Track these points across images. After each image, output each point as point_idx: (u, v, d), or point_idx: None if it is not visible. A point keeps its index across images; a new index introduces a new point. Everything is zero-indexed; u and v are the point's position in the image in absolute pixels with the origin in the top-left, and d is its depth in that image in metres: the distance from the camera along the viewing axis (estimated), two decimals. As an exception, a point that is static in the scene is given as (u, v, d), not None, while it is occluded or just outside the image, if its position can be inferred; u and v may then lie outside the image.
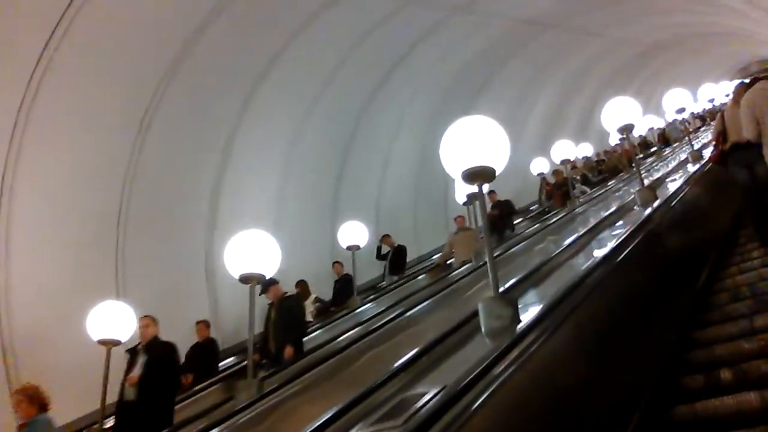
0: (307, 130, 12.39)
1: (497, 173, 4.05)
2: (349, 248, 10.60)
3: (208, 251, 10.54)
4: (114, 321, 6.74)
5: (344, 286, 11.59)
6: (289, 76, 11.37)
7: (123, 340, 6.68)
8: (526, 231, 10.95)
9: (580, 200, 11.58)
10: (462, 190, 9.39)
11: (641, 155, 17.92)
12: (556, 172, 13.80)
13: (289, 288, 9.04)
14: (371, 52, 12.70)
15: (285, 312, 7.77)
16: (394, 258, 12.41)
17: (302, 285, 11.02)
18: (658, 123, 18.71)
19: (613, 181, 13.95)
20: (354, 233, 10.55)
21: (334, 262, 12.14)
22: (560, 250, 5.26)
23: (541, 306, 3.26)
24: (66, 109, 8.39)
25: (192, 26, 9.24)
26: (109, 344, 6.57)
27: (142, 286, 9.09)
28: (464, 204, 10.18)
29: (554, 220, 10.55)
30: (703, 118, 18.99)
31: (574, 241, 5.62)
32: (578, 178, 14.44)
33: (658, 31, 21.52)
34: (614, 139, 16.96)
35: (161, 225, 9.71)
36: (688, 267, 5.46)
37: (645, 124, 19.18)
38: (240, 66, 10.46)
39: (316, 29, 11.15)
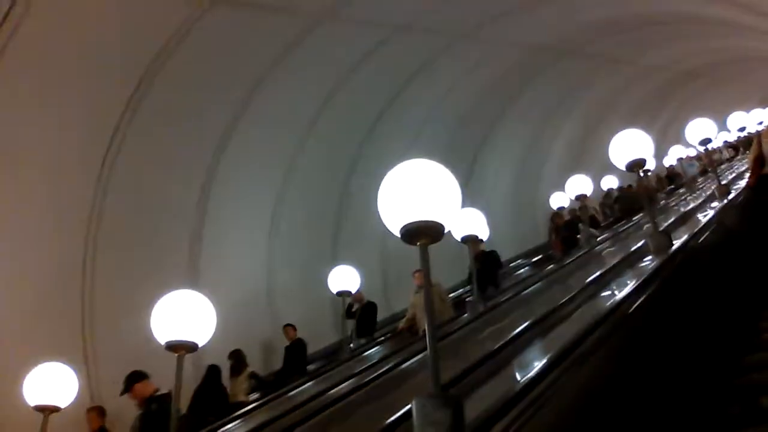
0: (298, 171, 11.58)
1: (446, 230, 3.27)
2: (339, 294, 9.63)
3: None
4: (54, 384, 5.95)
5: (295, 355, 10.36)
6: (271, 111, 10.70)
7: (62, 406, 5.86)
8: (511, 292, 9.11)
9: (585, 247, 10.43)
10: (457, 229, 8.30)
11: (666, 190, 16.89)
12: (556, 215, 12.60)
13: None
14: (364, 87, 11.92)
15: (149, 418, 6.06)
16: (363, 317, 10.88)
17: (236, 356, 9.98)
18: (686, 153, 17.55)
19: (625, 222, 12.80)
20: (345, 278, 9.60)
21: (285, 325, 10.80)
22: (529, 323, 4.31)
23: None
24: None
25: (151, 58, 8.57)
26: (47, 410, 5.67)
27: (110, 345, 8.36)
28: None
29: (547, 272, 9.39)
30: (736, 148, 17.83)
31: (549, 314, 4.65)
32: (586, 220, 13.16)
33: (689, 57, 20.63)
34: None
35: (133, 275, 9.00)
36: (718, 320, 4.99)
37: (673, 155, 18.17)
38: (212, 109, 9.84)
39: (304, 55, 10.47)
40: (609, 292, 5.23)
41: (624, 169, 6.85)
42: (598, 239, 11.19)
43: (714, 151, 21.22)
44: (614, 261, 6.37)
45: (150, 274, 9.15)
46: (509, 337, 3.99)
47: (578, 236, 11.99)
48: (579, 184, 11.51)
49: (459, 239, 8.24)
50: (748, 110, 15.62)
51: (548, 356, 2.95)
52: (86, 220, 8.39)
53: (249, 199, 10.93)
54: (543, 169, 18.97)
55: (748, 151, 16.82)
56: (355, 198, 12.61)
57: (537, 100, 17.00)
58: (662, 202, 14.19)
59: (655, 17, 15.43)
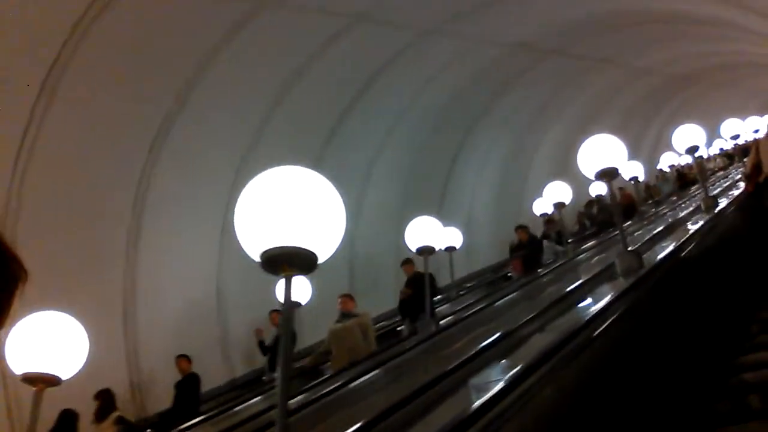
0: (254, 170, 10.73)
1: (321, 259, 2.68)
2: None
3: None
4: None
5: (186, 392, 8.93)
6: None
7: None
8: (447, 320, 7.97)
9: (548, 266, 9.61)
10: (411, 239, 7.46)
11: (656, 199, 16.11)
12: (519, 230, 11.69)
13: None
14: (320, 85, 11.08)
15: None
16: (276, 347, 9.49)
17: (104, 397, 8.34)
18: (677, 161, 16.79)
19: (602, 237, 11.88)
20: (294, 288, 8.78)
21: (178, 357, 9.27)
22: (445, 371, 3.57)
23: None
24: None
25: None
26: None
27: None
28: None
29: (497, 298, 8.11)
30: (731, 156, 17.09)
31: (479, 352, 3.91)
32: (551, 234, 12.19)
33: (684, 60, 19.90)
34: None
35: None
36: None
37: (665, 162, 17.45)
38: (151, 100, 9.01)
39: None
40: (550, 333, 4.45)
41: (593, 178, 6.15)
42: (566, 255, 10.41)
43: (708, 159, 20.57)
44: (573, 285, 5.59)
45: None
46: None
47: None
48: (558, 192, 10.79)
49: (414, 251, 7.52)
50: (745, 117, 14.83)
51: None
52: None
53: (198, 195, 10.07)
54: (528, 175, 18.22)
55: (745, 160, 16.20)
56: None
57: (521, 102, 16.26)
58: (652, 211, 13.41)
59: (647, 16, 14.72)
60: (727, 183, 12.67)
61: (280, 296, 8.66)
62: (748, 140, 19.09)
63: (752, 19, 13.09)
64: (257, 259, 2.53)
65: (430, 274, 8.41)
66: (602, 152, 6.03)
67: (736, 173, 13.50)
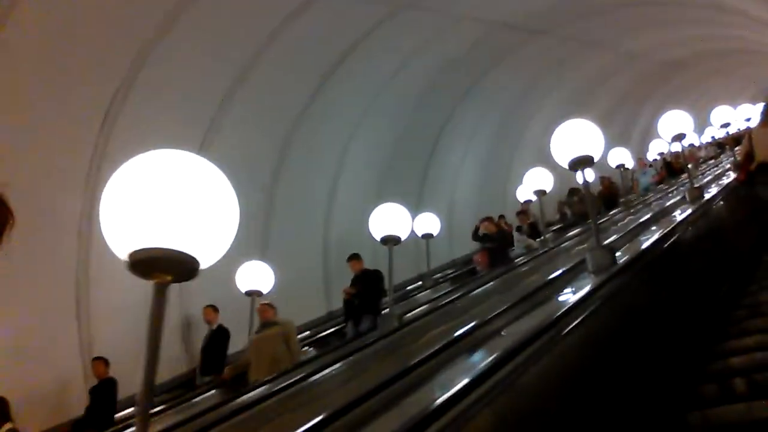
0: (217, 151, 10.10)
1: (202, 264, 2.19)
2: (248, 294, 8.29)
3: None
4: None
5: (101, 398, 8.07)
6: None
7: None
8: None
9: (516, 260, 9.16)
10: (375, 228, 6.96)
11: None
12: (485, 222, 11.19)
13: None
14: (296, 59, 10.47)
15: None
16: (210, 346, 8.86)
17: None
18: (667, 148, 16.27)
19: (579, 230, 11.21)
20: (257, 275, 8.30)
21: (94, 359, 8.48)
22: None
23: None
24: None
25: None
26: None
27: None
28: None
29: (454, 297, 7.46)
30: (722, 145, 16.64)
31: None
32: (523, 226, 11.66)
33: (675, 46, 19.42)
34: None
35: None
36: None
37: (654, 150, 17.01)
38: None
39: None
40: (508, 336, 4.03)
41: (567, 167, 5.73)
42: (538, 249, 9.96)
43: (699, 148, 20.14)
44: (542, 281, 5.17)
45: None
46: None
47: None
48: (538, 179, 10.33)
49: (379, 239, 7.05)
50: (737, 105, 14.35)
51: None
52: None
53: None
54: (513, 159, 17.74)
55: (737, 149, 15.77)
56: (286, 187, 11.27)
57: (505, 84, 15.74)
58: (635, 201, 12.99)
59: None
60: (717, 172, 12.23)
61: (241, 283, 8.30)
62: (741, 129, 18.72)
63: (750, 3, 12.64)
64: (124, 259, 2.09)
65: (376, 271, 7.94)
66: (577, 139, 5.64)
67: (726, 163, 13.08)
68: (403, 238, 7.00)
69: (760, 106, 8.11)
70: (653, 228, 6.88)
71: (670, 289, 5.00)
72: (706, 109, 16.28)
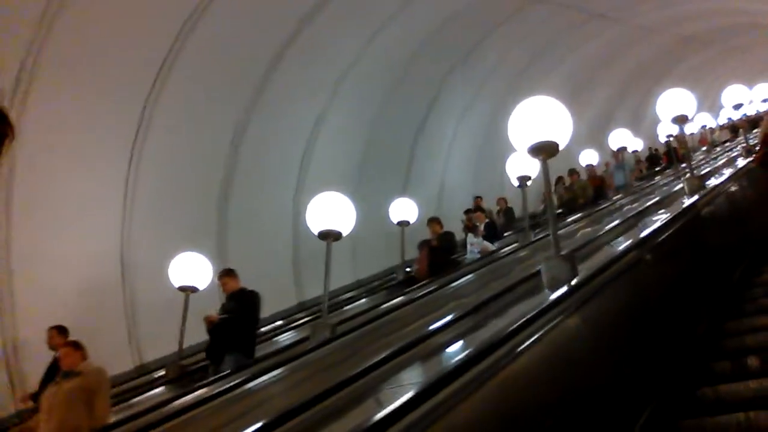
0: (157, 128, 9.07)
1: None
2: (182, 289, 7.36)
3: None
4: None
5: None
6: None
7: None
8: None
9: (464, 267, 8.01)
10: (312, 222, 6.01)
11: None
12: (431, 222, 9.62)
13: None
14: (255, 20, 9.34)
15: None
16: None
17: None
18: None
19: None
20: (189, 270, 7.37)
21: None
22: None
23: None
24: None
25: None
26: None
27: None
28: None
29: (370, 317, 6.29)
30: (735, 128, 15.42)
31: None
32: (480, 225, 10.41)
33: (690, 20, 18.15)
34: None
35: None
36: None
37: (662, 133, 15.79)
38: None
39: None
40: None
41: (528, 154, 4.81)
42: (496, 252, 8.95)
43: (712, 131, 18.97)
44: (478, 299, 4.24)
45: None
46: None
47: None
48: (522, 164, 9.29)
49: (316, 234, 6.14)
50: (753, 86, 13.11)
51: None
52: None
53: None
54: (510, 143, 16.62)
55: (756, 131, 14.67)
56: (245, 168, 10.25)
57: (504, 56, 14.58)
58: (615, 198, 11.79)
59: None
60: (722, 161, 11.11)
61: (174, 278, 7.40)
62: (760, 111, 17.52)
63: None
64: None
65: (252, 293, 6.55)
66: (538, 121, 4.68)
67: (738, 148, 11.93)
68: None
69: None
70: (635, 228, 5.91)
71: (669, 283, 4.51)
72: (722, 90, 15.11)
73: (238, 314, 6.38)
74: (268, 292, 11.20)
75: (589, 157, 15.41)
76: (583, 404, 2.99)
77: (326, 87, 11.20)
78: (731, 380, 3.46)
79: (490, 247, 9.56)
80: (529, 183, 9.33)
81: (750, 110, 17.95)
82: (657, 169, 15.46)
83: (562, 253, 4.25)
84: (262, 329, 9.45)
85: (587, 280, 3.90)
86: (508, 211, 13.35)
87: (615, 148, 12.30)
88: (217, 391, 4.37)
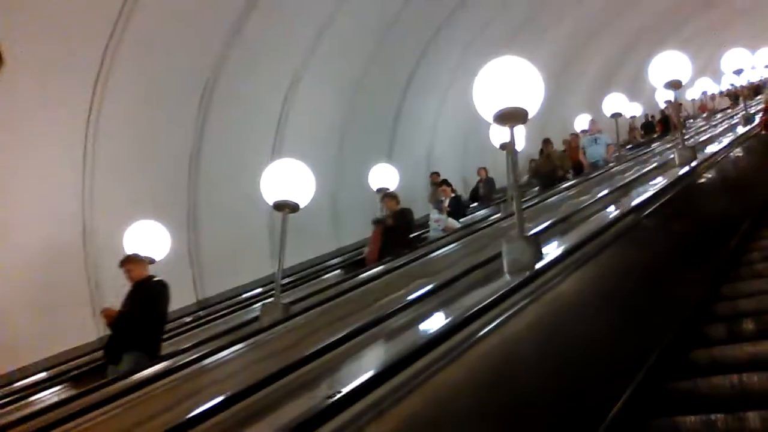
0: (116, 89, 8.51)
1: None
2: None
3: None
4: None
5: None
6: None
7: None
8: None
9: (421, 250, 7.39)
10: (267, 192, 5.56)
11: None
12: (386, 198, 8.83)
13: None
14: None
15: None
16: None
17: None
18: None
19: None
20: (147, 239, 6.94)
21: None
22: None
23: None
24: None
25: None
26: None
27: None
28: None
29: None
30: (735, 96, 14.83)
31: None
32: (444, 200, 9.61)
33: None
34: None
35: None
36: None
37: (660, 99, 15.18)
38: None
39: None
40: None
41: (492, 122, 4.40)
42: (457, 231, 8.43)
43: (712, 97, 18.38)
44: (424, 288, 3.83)
45: None
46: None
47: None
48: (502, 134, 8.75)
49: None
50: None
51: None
52: None
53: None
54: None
55: (759, 97, 14.15)
56: (215, 129, 9.69)
57: (494, 15, 13.90)
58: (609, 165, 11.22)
59: None
60: (719, 129, 10.59)
61: (129, 248, 6.96)
62: (764, 77, 16.93)
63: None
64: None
65: (159, 281, 6.01)
66: (506, 85, 4.22)
67: (736, 117, 11.39)
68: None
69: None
70: (619, 203, 5.47)
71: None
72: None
73: (139, 308, 5.82)
74: (242, 263, 10.94)
75: (584, 123, 14.87)
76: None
77: (302, 44, 10.57)
78: (726, 344, 3.52)
79: (455, 224, 9.01)
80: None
81: (753, 76, 17.38)
82: (653, 137, 14.88)
83: (529, 234, 3.84)
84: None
85: (553, 264, 3.54)
86: (488, 182, 12.87)
87: (609, 114, 11.66)
88: (140, 379, 3.98)
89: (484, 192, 12.34)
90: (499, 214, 8.52)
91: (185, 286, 9.98)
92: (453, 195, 10.02)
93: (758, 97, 15.77)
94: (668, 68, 7.27)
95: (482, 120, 4.03)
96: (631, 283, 3.93)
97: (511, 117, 4.13)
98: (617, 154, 11.47)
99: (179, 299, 9.92)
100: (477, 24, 13.94)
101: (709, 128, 12.61)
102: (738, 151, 7.68)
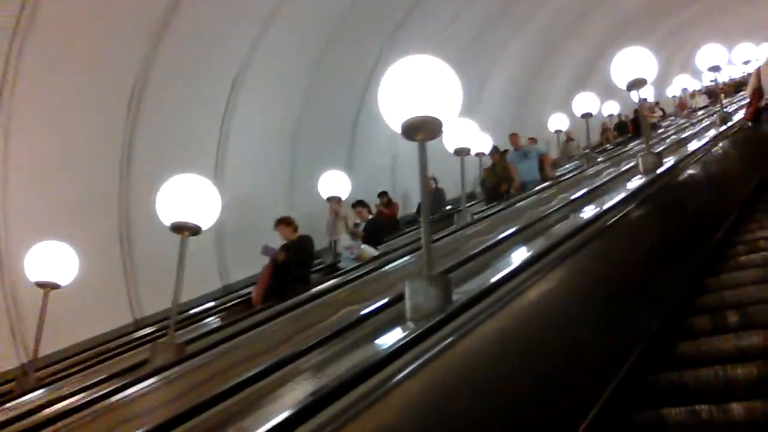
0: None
1: None
2: (40, 285, 6.18)
3: None
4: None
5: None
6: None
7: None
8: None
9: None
10: (163, 212, 4.87)
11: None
12: (279, 225, 7.60)
13: None
14: None
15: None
16: None
17: None
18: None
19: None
20: (51, 262, 6.21)
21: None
22: None
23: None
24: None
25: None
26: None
27: None
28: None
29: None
30: (712, 94, 14.23)
31: None
32: (360, 224, 8.58)
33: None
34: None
35: None
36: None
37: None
38: None
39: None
40: None
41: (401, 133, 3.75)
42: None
43: (692, 95, 17.86)
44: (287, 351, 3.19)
45: None
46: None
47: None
48: (462, 132, 8.13)
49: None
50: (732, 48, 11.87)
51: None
52: None
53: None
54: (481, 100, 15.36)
55: (742, 92, 13.64)
56: (148, 138, 8.95)
57: (462, 8, 13.24)
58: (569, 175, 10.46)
59: None
60: (692, 131, 9.96)
61: (31, 272, 6.25)
62: (747, 73, 16.38)
63: None
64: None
65: None
66: (411, 90, 3.55)
67: (710, 117, 10.77)
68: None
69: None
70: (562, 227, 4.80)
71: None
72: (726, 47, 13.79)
73: None
74: (186, 277, 10.20)
75: (558, 123, 14.25)
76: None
77: (243, 41, 9.82)
78: (711, 335, 3.53)
79: (371, 252, 7.78)
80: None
81: (733, 73, 16.84)
82: (623, 138, 14.25)
83: (435, 273, 3.18)
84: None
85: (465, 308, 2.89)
86: (437, 193, 11.80)
87: (579, 114, 10.99)
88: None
89: (432, 203, 11.44)
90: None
91: (120, 304, 9.32)
92: (370, 217, 8.81)
93: (740, 93, 15.28)
94: (631, 66, 6.65)
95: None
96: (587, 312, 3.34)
97: (420, 128, 3.46)
98: (587, 152, 10.70)
99: (111, 319, 9.26)
100: (437, 26, 13.30)
101: (684, 128, 12.02)
102: (714, 152, 7.19)
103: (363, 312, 3.35)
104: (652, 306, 3.70)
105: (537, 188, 9.61)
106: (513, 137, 11.56)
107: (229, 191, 10.32)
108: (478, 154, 9.62)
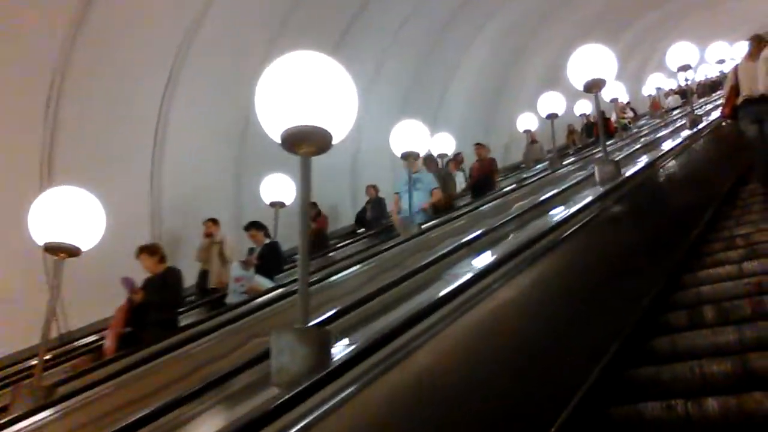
0: None
1: None
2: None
3: None
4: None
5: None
6: None
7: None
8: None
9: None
10: (36, 231, 4.25)
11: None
12: (141, 255, 6.37)
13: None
14: None
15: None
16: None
17: None
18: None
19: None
20: None
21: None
22: None
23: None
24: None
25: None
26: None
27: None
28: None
29: None
30: (684, 93, 13.74)
31: None
32: (255, 249, 7.36)
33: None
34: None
35: None
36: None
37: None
38: None
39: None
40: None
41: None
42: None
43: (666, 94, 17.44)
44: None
45: None
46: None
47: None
48: (410, 135, 7.52)
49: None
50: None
51: None
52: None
53: None
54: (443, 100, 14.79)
55: (718, 92, 13.26)
56: (71, 141, 8.22)
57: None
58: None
59: None
60: (658, 135, 9.46)
61: None
62: (725, 72, 15.98)
63: None
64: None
65: None
66: (293, 94, 2.92)
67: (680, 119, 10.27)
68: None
69: (744, 43, 7.70)
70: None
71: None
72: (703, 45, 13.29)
73: None
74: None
75: (527, 123, 13.66)
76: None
77: (178, 27, 9.08)
78: (687, 331, 3.59)
79: (265, 283, 6.79)
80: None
81: (709, 72, 16.39)
82: (591, 140, 13.68)
83: (307, 324, 2.56)
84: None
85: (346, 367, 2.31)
86: (377, 203, 10.91)
87: (544, 115, 10.42)
88: None
89: (372, 215, 10.55)
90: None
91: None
92: (267, 242, 7.58)
93: (716, 93, 14.88)
94: (588, 66, 6.06)
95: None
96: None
97: (304, 140, 2.83)
98: (551, 155, 10.12)
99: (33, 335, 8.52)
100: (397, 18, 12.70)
101: (650, 131, 11.55)
102: (684, 154, 6.89)
103: (221, 372, 2.72)
104: (627, 304, 3.68)
105: (500, 191, 9.11)
106: (479, 149, 10.95)
107: (167, 193, 9.74)
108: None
